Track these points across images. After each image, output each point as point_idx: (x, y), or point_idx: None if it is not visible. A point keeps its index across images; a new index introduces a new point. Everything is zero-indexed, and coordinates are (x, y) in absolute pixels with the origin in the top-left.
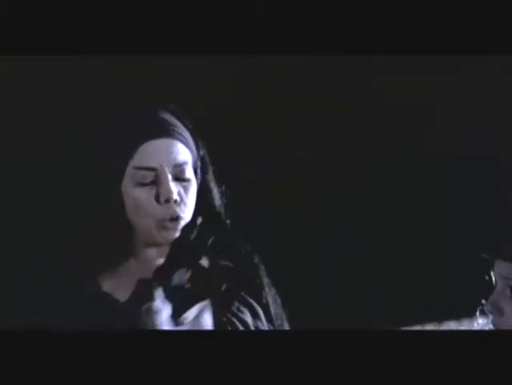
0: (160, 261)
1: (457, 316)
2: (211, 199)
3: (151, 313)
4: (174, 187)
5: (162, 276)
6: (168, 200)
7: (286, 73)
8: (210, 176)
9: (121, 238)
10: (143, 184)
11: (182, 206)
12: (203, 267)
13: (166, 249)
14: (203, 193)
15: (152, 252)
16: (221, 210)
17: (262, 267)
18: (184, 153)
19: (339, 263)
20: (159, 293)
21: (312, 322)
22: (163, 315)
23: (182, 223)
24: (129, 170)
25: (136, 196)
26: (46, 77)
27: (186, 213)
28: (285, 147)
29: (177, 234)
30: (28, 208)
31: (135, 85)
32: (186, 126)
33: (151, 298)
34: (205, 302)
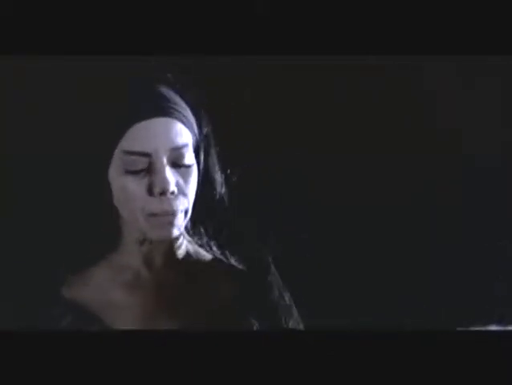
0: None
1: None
2: (213, 187)
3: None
4: (171, 176)
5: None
6: (163, 192)
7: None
8: (214, 160)
9: (109, 234)
10: (133, 172)
11: (181, 198)
12: (205, 265)
13: (162, 247)
14: (205, 180)
15: (141, 247)
16: (225, 200)
17: (272, 264)
18: (184, 134)
19: (349, 258)
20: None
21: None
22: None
23: (180, 217)
24: (117, 154)
25: (125, 185)
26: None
27: (185, 205)
28: (298, 133)
29: (174, 230)
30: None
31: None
32: (186, 101)
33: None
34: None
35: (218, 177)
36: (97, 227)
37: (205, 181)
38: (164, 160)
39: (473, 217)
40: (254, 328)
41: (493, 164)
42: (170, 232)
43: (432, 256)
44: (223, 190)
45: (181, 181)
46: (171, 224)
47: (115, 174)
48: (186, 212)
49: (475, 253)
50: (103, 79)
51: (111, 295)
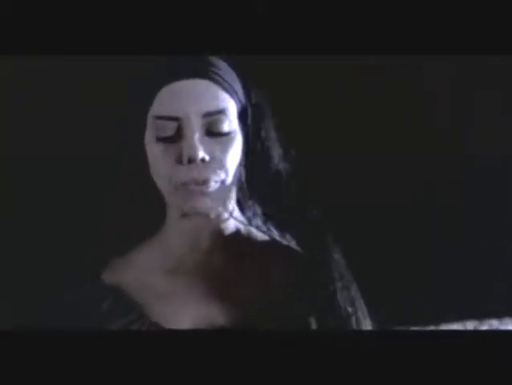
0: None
1: None
2: (270, 162)
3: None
4: (202, 142)
5: None
6: (191, 159)
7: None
8: (268, 132)
9: (151, 214)
10: (163, 139)
11: (214, 167)
12: (259, 247)
13: (208, 228)
14: (254, 153)
15: (184, 225)
16: (284, 176)
17: (337, 251)
18: (222, 99)
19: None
20: None
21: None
22: None
23: (215, 187)
24: (149, 119)
25: (155, 153)
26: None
27: (220, 176)
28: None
29: (208, 202)
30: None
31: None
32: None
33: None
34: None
35: (275, 151)
36: (139, 207)
37: (259, 155)
38: (195, 126)
39: (473, 217)
40: (311, 320)
41: (493, 164)
42: (203, 203)
43: (432, 256)
44: (281, 165)
45: (216, 149)
46: (203, 194)
47: (148, 141)
48: (223, 183)
49: (475, 253)
50: (103, 79)
51: (153, 280)
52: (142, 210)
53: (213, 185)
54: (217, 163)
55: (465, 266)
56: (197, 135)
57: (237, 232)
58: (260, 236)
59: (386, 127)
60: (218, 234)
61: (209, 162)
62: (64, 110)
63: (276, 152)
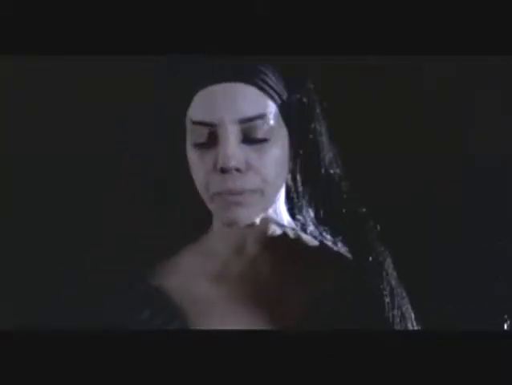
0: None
1: None
2: (321, 166)
3: None
4: (238, 150)
5: None
6: (225, 169)
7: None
8: (317, 134)
9: (197, 217)
10: (199, 145)
11: (251, 176)
12: (308, 254)
13: (254, 233)
14: (304, 156)
15: (229, 230)
16: (336, 180)
17: (389, 257)
18: (260, 103)
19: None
20: None
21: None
22: None
23: (253, 197)
24: (188, 124)
25: (192, 159)
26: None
27: (258, 185)
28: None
29: (245, 213)
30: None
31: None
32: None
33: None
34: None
35: (327, 155)
36: (185, 209)
37: (309, 158)
38: (230, 133)
39: (473, 217)
40: (357, 328)
41: (493, 164)
42: (240, 214)
43: (432, 256)
44: (333, 170)
45: (253, 157)
46: (239, 204)
47: (187, 145)
48: (262, 192)
49: (475, 253)
50: (103, 79)
51: (197, 286)
52: (187, 213)
53: (251, 195)
54: (254, 172)
55: (465, 266)
56: (232, 143)
57: (285, 237)
58: (310, 241)
59: (386, 127)
60: (264, 240)
61: (245, 171)
62: (64, 110)
63: (327, 155)
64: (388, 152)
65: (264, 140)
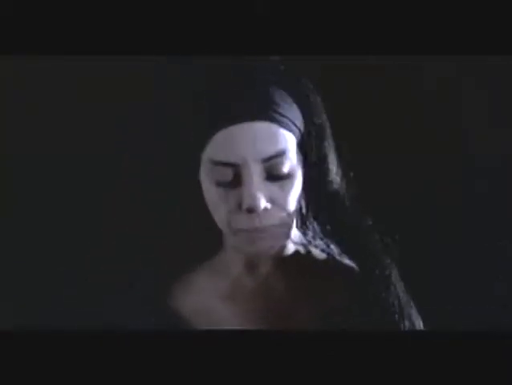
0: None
1: None
2: (329, 183)
3: None
4: (263, 190)
5: None
6: (252, 209)
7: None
8: (328, 153)
9: (208, 236)
10: (220, 184)
11: (276, 212)
12: (318, 269)
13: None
14: (318, 175)
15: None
16: (343, 195)
17: (395, 272)
18: (280, 139)
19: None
20: None
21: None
22: None
23: (276, 231)
24: (204, 161)
25: (211, 195)
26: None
27: (283, 219)
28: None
29: (268, 245)
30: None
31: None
32: (293, 91)
33: None
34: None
35: (334, 171)
36: (196, 228)
37: (318, 176)
38: (254, 172)
39: (473, 217)
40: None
41: (493, 164)
42: (264, 246)
43: (432, 256)
44: (340, 185)
45: (277, 193)
46: (263, 239)
47: (204, 181)
48: (285, 223)
49: (475, 253)
50: (103, 79)
51: (210, 305)
52: (199, 233)
53: (276, 229)
54: (279, 207)
55: (465, 266)
56: (256, 182)
57: (297, 254)
58: (319, 255)
59: (386, 127)
60: (277, 258)
61: (271, 208)
62: (64, 110)
63: (336, 173)
64: (388, 152)
65: (286, 176)
